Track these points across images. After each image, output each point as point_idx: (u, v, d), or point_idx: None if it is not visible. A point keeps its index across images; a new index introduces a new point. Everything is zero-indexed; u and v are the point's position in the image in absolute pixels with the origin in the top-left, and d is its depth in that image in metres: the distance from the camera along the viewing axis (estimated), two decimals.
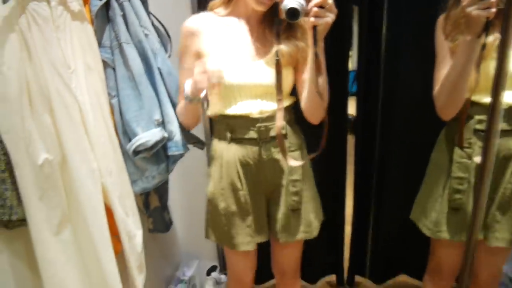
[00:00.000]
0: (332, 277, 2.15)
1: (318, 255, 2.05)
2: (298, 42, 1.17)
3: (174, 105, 1.31)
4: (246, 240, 1.29)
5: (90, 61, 1.10)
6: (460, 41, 1.09)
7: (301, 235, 1.31)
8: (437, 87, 1.21)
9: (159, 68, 1.27)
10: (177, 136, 1.30)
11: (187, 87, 1.19)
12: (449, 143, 1.27)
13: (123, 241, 1.21)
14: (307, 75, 1.13)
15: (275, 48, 1.16)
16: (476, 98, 1.15)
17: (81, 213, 1.03)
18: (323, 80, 1.09)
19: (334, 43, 1.66)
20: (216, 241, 1.34)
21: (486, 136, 0.68)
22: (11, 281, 0.95)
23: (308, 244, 1.93)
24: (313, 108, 1.17)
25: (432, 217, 1.29)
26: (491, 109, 0.64)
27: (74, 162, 1.00)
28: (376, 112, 1.76)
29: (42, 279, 0.95)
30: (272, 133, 1.21)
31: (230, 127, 1.23)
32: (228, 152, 1.24)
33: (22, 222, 0.92)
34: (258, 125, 1.20)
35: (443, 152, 1.30)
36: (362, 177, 1.93)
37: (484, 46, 1.03)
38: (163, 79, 1.28)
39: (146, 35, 1.24)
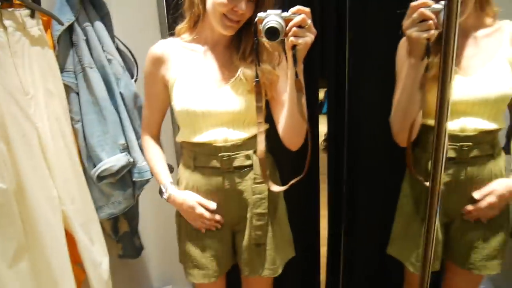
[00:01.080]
0: None
1: (294, 278, 2.02)
2: (264, 65, 1.12)
3: (136, 132, 1.30)
4: (202, 272, 1.24)
5: (51, 86, 1.09)
6: (405, 64, 1.09)
7: (264, 272, 1.25)
8: (392, 111, 1.19)
9: (121, 93, 1.26)
10: (140, 162, 1.28)
11: (165, 191, 1.19)
12: (419, 173, 1.22)
13: (87, 270, 1.18)
14: (286, 97, 1.09)
15: (240, 71, 1.13)
16: (433, 122, 1.15)
17: (40, 243, 1.00)
18: (303, 101, 1.04)
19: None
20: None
21: (432, 163, 0.67)
22: None
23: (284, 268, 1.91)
24: (294, 132, 1.13)
25: (413, 251, 1.25)
26: (435, 137, 0.64)
27: (31, 190, 0.97)
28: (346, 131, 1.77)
29: None
30: (236, 163, 1.16)
31: (194, 154, 1.18)
32: (191, 180, 1.20)
33: None
34: (220, 154, 1.15)
35: (414, 182, 1.26)
36: (336, 197, 1.93)
37: (427, 68, 1.03)
38: (125, 104, 1.27)
39: (109, 60, 1.24)
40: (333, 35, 1.70)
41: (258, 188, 1.19)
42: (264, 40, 0.98)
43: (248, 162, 1.18)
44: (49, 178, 1.03)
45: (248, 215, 1.20)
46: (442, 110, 0.62)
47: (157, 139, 1.28)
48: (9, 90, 0.93)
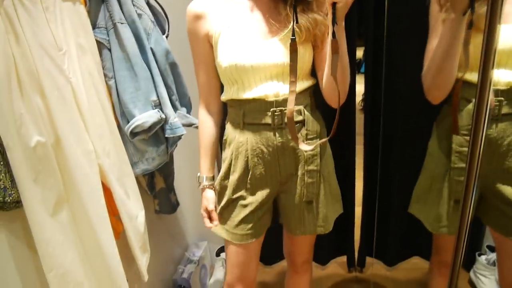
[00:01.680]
0: (343, 258, 2.13)
1: (329, 237, 2.02)
2: (315, 14, 1.06)
3: (168, 87, 1.30)
4: (247, 232, 1.22)
5: (83, 42, 1.09)
6: (444, 18, 1.01)
7: (317, 230, 1.24)
8: (425, 66, 1.12)
9: (152, 49, 1.25)
10: (172, 118, 1.29)
11: (200, 184, 1.26)
12: (446, 131, 1.18)
13: (124, 222, 1.22)
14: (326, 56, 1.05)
15: (291, 24, 1.05)
16: (473, 78, 1.07)
17: (78, 194, 1.04)
18: (342, 63, 1.00)
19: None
20: (218, 230, 1.28)
21: (473, 121, 0.62)
22: (11, 260, 0.97)
23: None
24: (332, 92, 1.09)
25: (433, 211, 1.22)
26: (478, 91, 0.59)
27: (68, 144, 1.00)
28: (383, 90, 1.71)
29: (40, 259, 0.96)
30: None
31: (243, 111, 1.15)
32: (240, 138, 1.17)
33: (18, 203, 0.93)
34: (272, 109, 1.11)
35: (440, 140, 1.22)
36: (372, 158, 1.88)
37: (471, 25, 0.95)
38: (156, 60, 1.27)
39: (139, 15, 1.23)
40: None
41: (310, 144, 1.14)
42: None
43: (300, 118, 1.14)
44: (84, 132, 1.05)
45: (300, 172, 1.18)
46: (487, 64, 0.56)
47: (215, 113, 1.25)
48: (42, 45, 0.94)
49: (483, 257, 1.90)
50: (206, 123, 1.25)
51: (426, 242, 1.94)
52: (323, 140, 1.16)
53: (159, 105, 1.28)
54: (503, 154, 1.10)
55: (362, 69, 2.05)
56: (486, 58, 0.57)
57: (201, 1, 1.14)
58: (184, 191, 1.98)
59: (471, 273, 1.98)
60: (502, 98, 1.05)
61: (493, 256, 1.86)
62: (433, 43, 1.08)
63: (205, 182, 1.26)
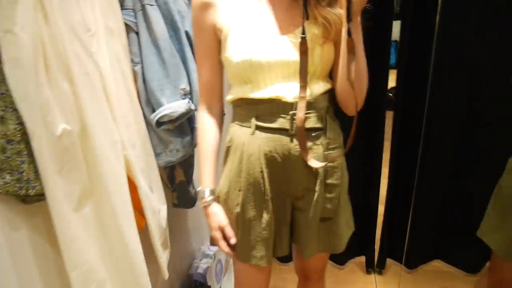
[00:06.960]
0: (362, 259, 2.07)
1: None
2: (333, 9, 0.95)
3: None
4: (261, 253, 1.05)
5: (111, 24, 1.02)
6: None
7: (330, 248, 1.11)
8: None
9: (187, 32, 1.17)
10: None
11: (201, 200, 1.07)
12: None
13: (147, 217, 1.16)
14: (340, 57, 0.94)
15: (302, 21, 0.94)
16: None
17: (103, 188, 0.98)
18: (358, 66, 0.90)
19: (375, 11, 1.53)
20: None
21: None
22: (31, 257, 0.90)
23: None
24: (346, 97, 0.99)
25: (505, 237, 1.14)
26: None
27: (95, 133, 0.93)
28: (420, 85, 1.62)
29: (63, 256, 0.90)
30: (309, 124, 0.99)
31: (256, 113, 1.00)
32: (251, 143, 1.01)
33: (41, 196, 0.86)
34: (291, 112, 0.97)
35: None
36: (399, 156, 1.81)
37: None
38: (191, 44, 1.19)
39: None
40: None
41: (331, 155, 1.02)
42: None
43: (320, 124, 1.01)
44: (112, 121, 0.98)
45: (318, 186, 1.02)
46: None
47: (217, 115, 1.11)
48: (72, 25, 0.86)
49: None
50: (209, 125, 1.09)
51: (450, 246, 1.88)
52: (338, 154, 1.03)
53: (188, 94, 1.20)
54: None
55: (392, 61, 1.97)
56: None
57: None
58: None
59: None
60: None
61: None
62: None
63: (209, 197, 1.07)
